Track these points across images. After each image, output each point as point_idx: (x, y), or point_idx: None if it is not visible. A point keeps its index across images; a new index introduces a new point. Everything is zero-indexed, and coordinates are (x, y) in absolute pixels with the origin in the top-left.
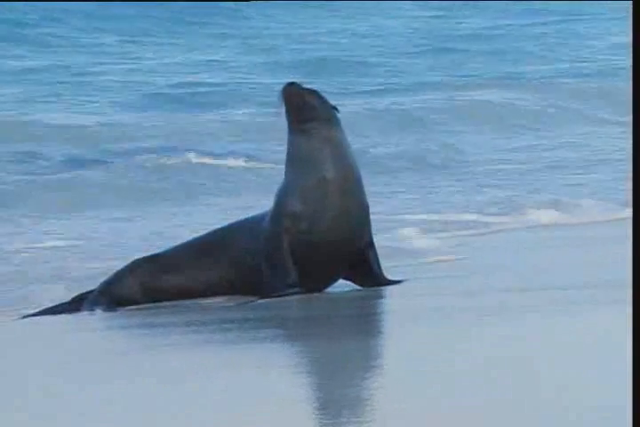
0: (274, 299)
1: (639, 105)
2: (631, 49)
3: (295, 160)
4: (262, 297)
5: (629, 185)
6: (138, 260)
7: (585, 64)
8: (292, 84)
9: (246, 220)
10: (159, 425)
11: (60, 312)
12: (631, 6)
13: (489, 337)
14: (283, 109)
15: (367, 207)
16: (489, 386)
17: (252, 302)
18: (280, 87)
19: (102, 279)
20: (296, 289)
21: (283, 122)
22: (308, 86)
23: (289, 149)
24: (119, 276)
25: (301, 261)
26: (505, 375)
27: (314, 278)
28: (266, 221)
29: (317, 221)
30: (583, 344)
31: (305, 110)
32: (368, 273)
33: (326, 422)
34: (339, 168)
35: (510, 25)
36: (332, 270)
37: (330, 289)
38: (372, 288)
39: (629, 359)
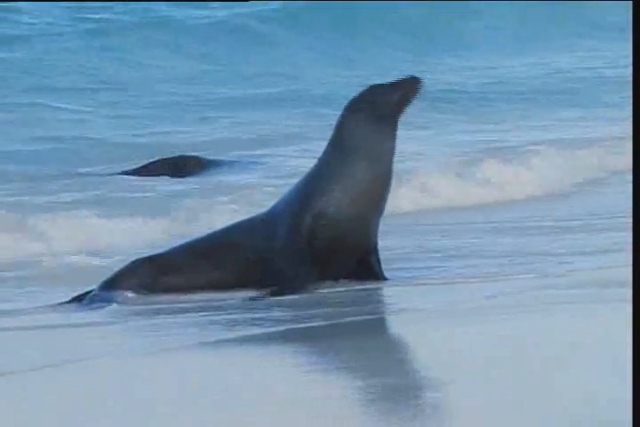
0: (273, 299)
1: (639, 104)
2: (631, 49)
3: (356, 153)
4: (273, 294)
5: None
6: (138, 260)
7: None
8: (417, 77)
9: (246, 220)
10: (159, 425)
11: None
12: (631, 6)
13: (489, 337)
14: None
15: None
16: (489, 386)
17: (262, 296)
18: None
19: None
20: (309, 286)
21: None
22: None
23: (354, 140)
24: (119, 276)
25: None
26: (505, 375)
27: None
28: (275, 214)
29: (340, 227)
30: (583, 344)
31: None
32: (369, 273)
33: (326, 422)
34: (388, 174)
35: None
36: (332, 272)
37: (330, 289)
38: (372, 289)
39: (629, 359)
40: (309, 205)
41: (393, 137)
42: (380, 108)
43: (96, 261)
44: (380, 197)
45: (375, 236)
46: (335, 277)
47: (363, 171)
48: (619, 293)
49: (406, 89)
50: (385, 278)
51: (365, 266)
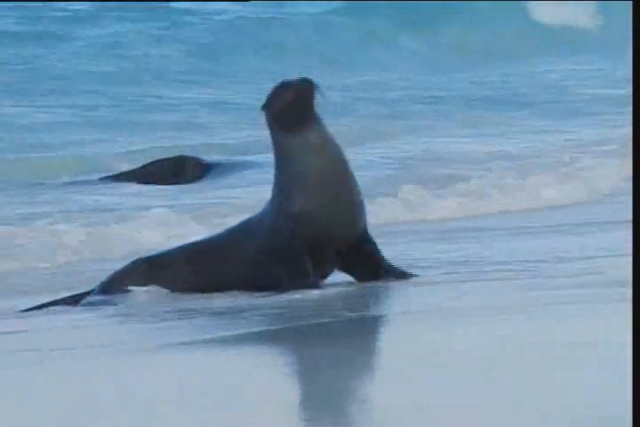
0: (271, 299)
1: (639, 104)
2: (631, 49)
3: (289, 161)
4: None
5: None
6: (137, 260)
7: None
8: (308, 79)
9: (245, 221)
10: (159, 425)
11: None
12: (631, 6)
13: (489, 337)
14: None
15: (361, 196)
16: (489, 386)
17: (262, 297)
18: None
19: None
20: (312, 285)
21: None
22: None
23: (281, 151)
24: (118, 276)
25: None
26: (505, 375)
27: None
28: (268, 220)
29: (320, 216)
30: (583, 344)
31: (312, 109)
32: (371, 262)
33: (326, 422)
34: (332, 162)
35: None
36: (326, 266)
37: (328, 288)
38: (371, 288)
39: (629, 359)
40: (287, 211)
41: (307, 130)
42: (276, 110)
43: (95, 265)
44: (338, 182)
45: (363, 223)
46: (330, 273)
47: (303, 165)
48: (619, 293)
49: (292, 90)
50: (390, 266)
51: (365, 254)
